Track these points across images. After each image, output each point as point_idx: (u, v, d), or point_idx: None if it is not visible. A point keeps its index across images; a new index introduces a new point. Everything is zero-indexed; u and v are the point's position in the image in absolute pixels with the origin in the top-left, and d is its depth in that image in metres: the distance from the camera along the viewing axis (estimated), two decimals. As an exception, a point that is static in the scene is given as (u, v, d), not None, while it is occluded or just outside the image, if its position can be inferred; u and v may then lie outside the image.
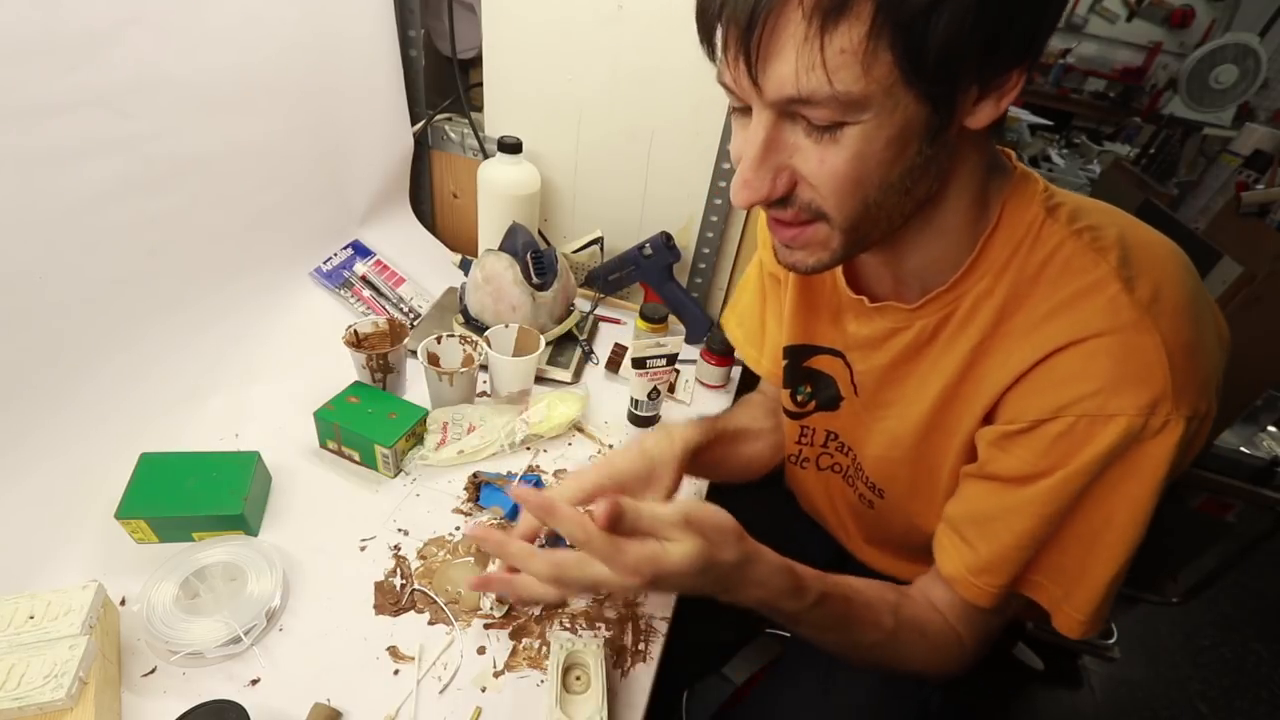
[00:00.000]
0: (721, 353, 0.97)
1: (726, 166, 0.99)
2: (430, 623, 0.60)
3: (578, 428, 0.87)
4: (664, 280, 1.05)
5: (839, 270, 0.58)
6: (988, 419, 0.49)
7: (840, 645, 0.51)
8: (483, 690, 0.56)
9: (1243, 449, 1.21)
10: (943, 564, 0.53)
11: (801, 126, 0.38)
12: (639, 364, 0.83)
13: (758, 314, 0.75)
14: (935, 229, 0.47)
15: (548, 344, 0.92)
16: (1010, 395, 0.47)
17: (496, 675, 0.57)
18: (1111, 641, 1.46)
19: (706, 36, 0.39)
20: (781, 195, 0.42)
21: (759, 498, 0.79)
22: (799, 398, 0.68)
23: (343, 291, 0.98)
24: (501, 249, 0.91)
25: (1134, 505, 0.44)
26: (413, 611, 0.61)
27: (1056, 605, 0.49)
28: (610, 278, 1.08)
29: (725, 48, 0.37)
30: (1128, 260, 0.43)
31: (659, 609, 0.65)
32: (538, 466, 0.80)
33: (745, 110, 0.41)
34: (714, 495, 0.83)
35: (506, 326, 0.86)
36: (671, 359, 0.84)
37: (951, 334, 0.50)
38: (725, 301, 1.16)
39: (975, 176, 0.45)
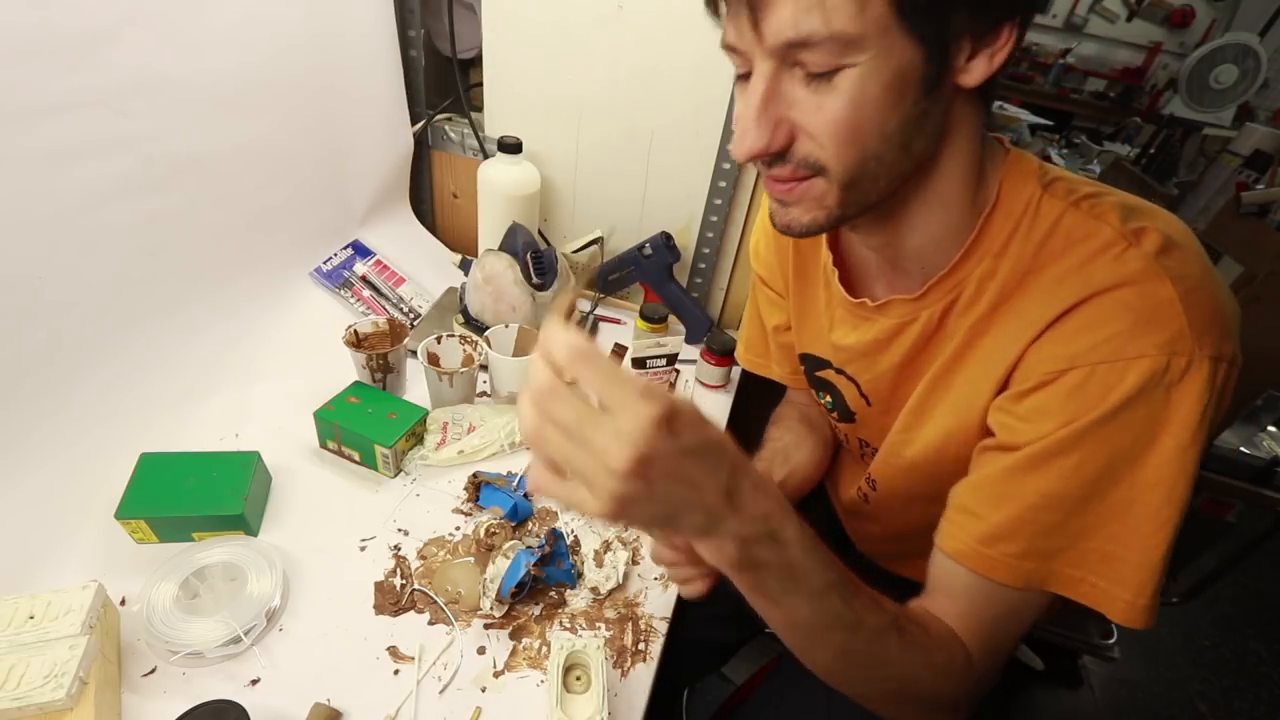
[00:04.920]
0: (721, 353, 0.97)
1: (727, 166, 0.99)
2: (430, 623, 0.60)
3: (578, 428, 0.87)
4: (664, 280, 1.04)
5: (835, 278, 0.58)
6: (1001, 391, 0.46)
7: (842, 621, 0.41)
8: (483, 690, 0.56)
9: (1243, 449, 1.21)
10: (945, 542, 0.47)
11: (800, 76, 0.38)
12: (639, 364, 0.83)
13: (759, 327, 0.75)
14: (934, 199, 0.46)
15: (548, 344, 0.92)
16: (1021, 362, 0.45)
17: (496, 675, 0.57)
18: (1111, 641, 1.46)
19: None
20: (780, 148, 0.41)
21: None
22: (823, 402, 0.68)
23: (343, 291, 0.98)
24: (501, 249, 0.91)
25: (1172, 461, 0.40)
26: (413, 611, 0.61)
27: (1108, 598, 0.42)
28: (610, 278, 1.08)
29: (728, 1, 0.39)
30: (1129, 218, 0.43)
31: (659, 609, 0.66)
32: (538, 466, 0.80)
33: (747, 76, 0.41)
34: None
35: (506, 326, 0.86)
36: (671, 359, 0.84)
37: (956, 320, 0.50)
38: (725, 301, 1.16)
39: (971, 144, 0.45)
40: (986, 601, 0.45)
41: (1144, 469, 0.40)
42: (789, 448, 0.73)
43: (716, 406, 0.97)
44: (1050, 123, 3.20)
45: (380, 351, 0.79)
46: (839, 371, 0.62)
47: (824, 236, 0.59)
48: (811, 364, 0.67)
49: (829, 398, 0.66)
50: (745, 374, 1.02)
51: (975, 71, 0.39)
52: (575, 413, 0.32)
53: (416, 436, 0.76)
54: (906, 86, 0.38)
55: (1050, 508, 0.42)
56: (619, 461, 0.31)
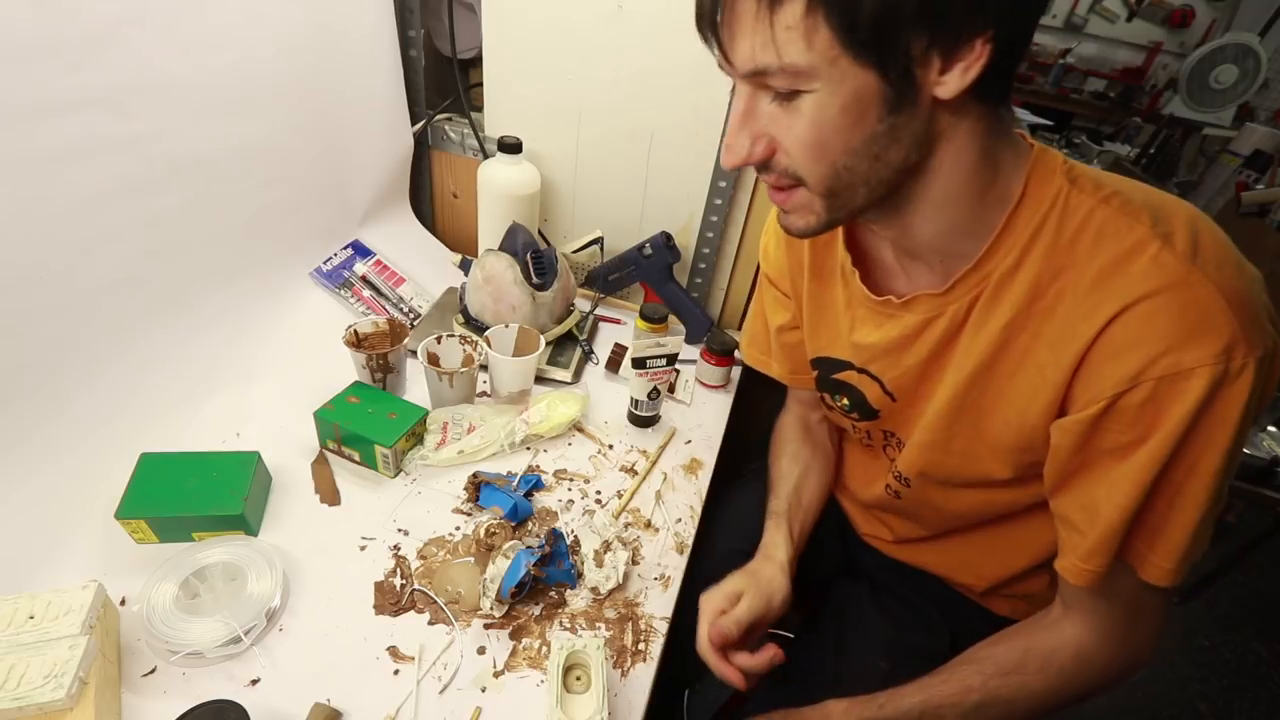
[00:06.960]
0: (721, 353, 0.97)
1: (726, 166, 0.99)
2: (430, 623, 0.60)
3: (578, 428, 0.87)
4: (664, 280, 1.04)
5: (855, 278, 0.58)
6: (1062, 411, 0.48)
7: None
8: (483, 690, 0.56)
9: (1243, 449, 1.21)
10: (1058, 560, 0.52)
11: (772, 95, 0.42)
12: (639, 364, 0.83)
13: (763, 324, 0.76)
14: (936, 197, 0.47)
15: (548, 344, 0.92)
16: (1078, 379, 0.46)
17: (496, 675, 0.57)
18: (1112, 641, 1.46)
19: (700, 29, 0.43)
20: (761, 159, 0.45)
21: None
22: (838, 404, 0.69)
23: (343, 291, 0.98)
24: (501, 249, 0.91)
25: (1219, 451, 0.43)
26: (413, 611, 0.61)
27: (1141, 559, 0.48)
28: (610, 278, 1.08)
29: (701, 33, 0.43)
30: (1159, 219, 0.43)
31: (659, 609, 0.66)
32: (538, 466, 0.80)
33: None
34: (721, 498, 0.83)
35: (506, 326, 0.86)
36: (671, 359, 0.84)
37: (981, 314, 0.50)
38: (725, 301, 1.16)
39: (974, 145, 0.45)
40: (1094, 600, 0.53)
41: (1206, 467, 0.44)
42: (799, 485, 0.74)
43: (716, 406, 0.97)
44: (1050, 123, 3.19)
45: (380, 351, 0.79)
46: (861, 371, 0.62)
47: (840, 238, 0.60)
48: (828, 367, 0.66)
49: (845, 400, 0.66)
50: (745, 374, 1.02)
51: (950, 85, 0.40)
52: None
53: (416, 436, 0.76)
54: (865, 107, 0.40)
55: (1130, 517, 0.47)
56: None
